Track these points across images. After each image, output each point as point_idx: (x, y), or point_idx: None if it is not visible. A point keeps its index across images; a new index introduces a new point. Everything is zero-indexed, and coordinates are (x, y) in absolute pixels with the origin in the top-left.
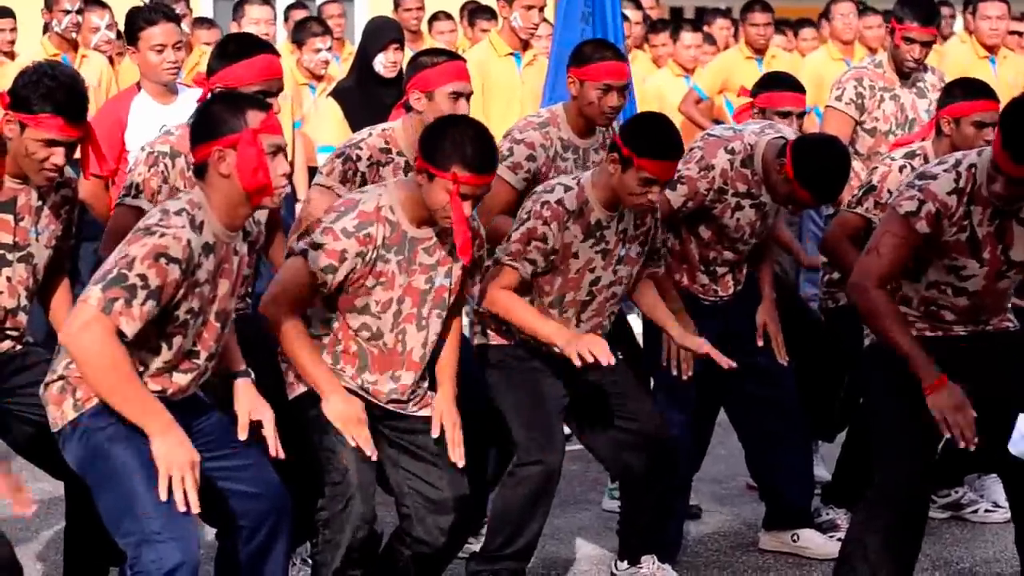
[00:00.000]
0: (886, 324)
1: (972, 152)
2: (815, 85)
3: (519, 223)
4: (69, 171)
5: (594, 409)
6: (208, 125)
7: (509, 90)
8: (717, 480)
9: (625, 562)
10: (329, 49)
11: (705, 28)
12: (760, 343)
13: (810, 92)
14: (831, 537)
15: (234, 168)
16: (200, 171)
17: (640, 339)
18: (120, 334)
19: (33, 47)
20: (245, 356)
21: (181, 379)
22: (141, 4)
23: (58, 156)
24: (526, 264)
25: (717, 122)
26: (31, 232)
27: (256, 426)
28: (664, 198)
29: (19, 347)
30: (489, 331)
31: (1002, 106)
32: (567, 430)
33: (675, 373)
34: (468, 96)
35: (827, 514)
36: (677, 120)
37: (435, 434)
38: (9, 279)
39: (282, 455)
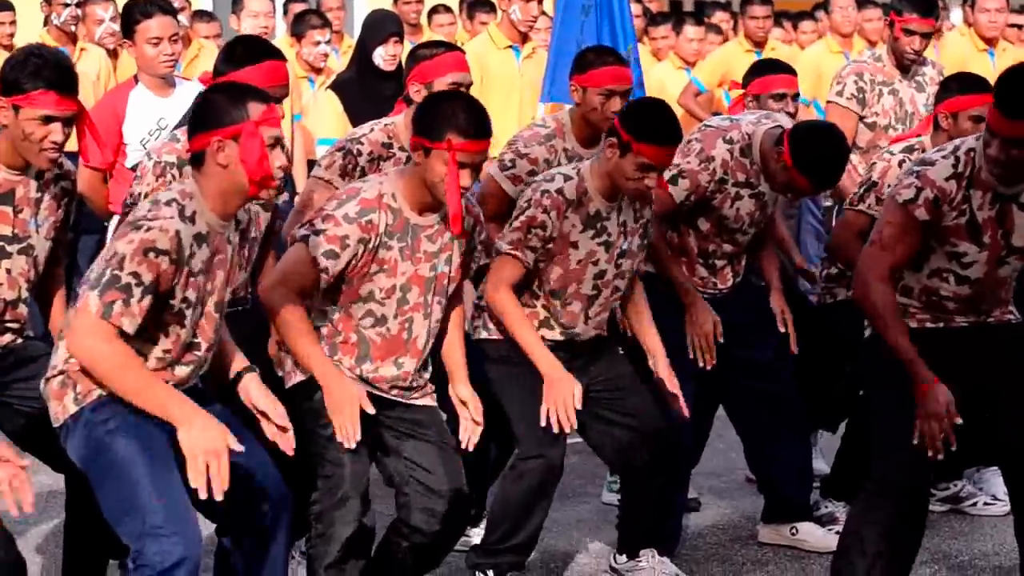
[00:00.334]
0: (883, 320)
1: (970, 137)
2: (814, 78)
3: (519, 211)
4: (68, 164)
5: (594, 404)
6: (209, 115)
7: (508, 83)
8: (716, 473)
9: (624, 555)
10: (328, 42)
11: (706, 20)
12: (782, 329)
13: (809, 85)
14: (830, 530)
15: (235, 159)
16: (196, 160)
17: None
18: (122, 332)
19: (32, 40)
20: (244, 351)
21: (182, 371)
22: None
23: (56, 133)
24: (528, 252)
25: (716, 115)
26: (30, 224)
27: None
28: (667, 194)
29: (19, 340)
30: (491, 325)
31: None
32: None
33: (701, 364)
34: (468, 87)
35: (826, 507)
36: (677, 113)
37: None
38: (9, 271)
39: (291, 452)
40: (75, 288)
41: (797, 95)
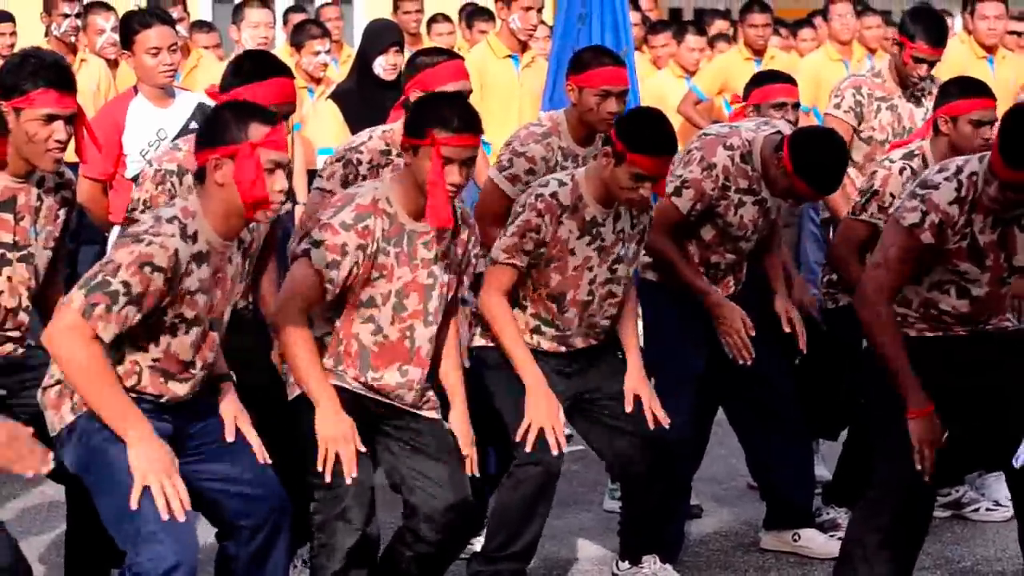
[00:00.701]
0: (886, 343)
1: (973, 158)
2: (813, 86)
3: (514, 217)
4: (69, 173)
5: (595, 410)
6: (212, 131)
7: (507, 92)
8: (718, 480)
9: (626, 562)
10: (328, 52)
11: (707, 30)
12: (787, 330)
13: (809, 93)
14: (832, 536)
15: (230, 178)
16: (200, 176)
17: (640, 340)
18: (99, 338)
19: None
20: (246, 359)
21: (178, 388)
22: (136, 8)
23: (59, 131)
24: (522, 256)
25: (716, 123)
26: (31, 232)
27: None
28: (672, 206)
29: (21, 350)
30: (488, 333)
31: (1000, 106)
32: (568, 431)
33: (741, 362)
34: (467, 95)
35: (828, 513)
36: (677, 121)
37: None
38: (10, 279)
39: (268, 460)
40: None
41: (798, 104)
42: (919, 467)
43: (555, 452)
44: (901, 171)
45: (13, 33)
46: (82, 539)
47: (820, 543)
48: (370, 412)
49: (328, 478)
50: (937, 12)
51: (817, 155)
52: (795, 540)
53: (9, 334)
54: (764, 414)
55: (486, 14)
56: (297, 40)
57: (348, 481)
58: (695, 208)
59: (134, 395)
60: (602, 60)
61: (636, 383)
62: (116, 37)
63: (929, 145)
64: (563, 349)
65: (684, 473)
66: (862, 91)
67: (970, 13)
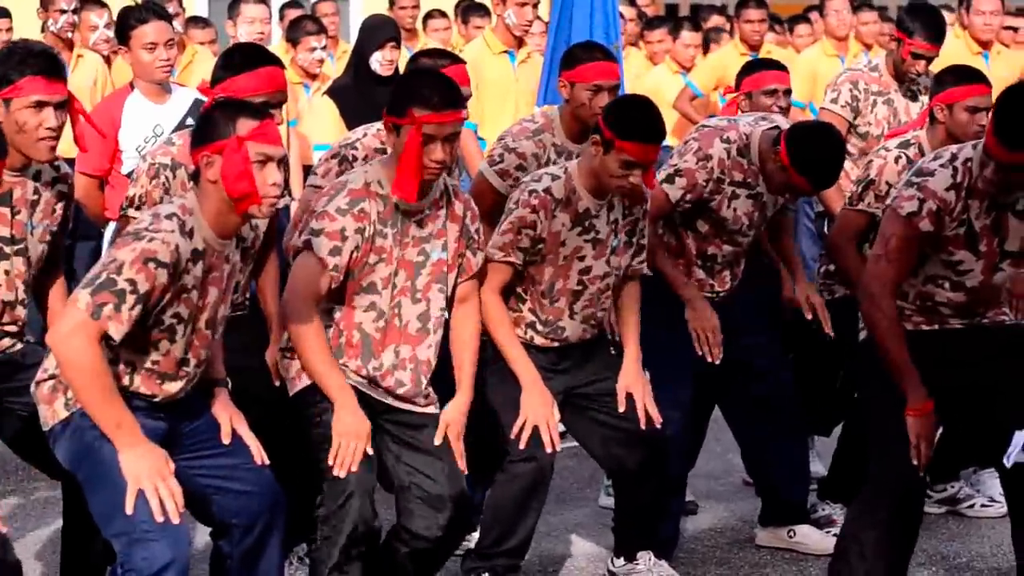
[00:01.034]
0: (888, 339)
1: (967, 145)
2: (809, 81)
3: (507, 213)
4: (66, 167)
5: (587, 406)
6: (203, 130)
7: (503, 88)
8: (713, 476)
9: (621, 558)
10: (324, 48)
11: (703, 25)
12: (808, 317)
13: (805, 88)
14: (827, 532)
15: (219, 175)
16: (196, 176)
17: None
18: (107, 337)
19: None
20: (244, 358)
21: (171, 387)
22: (132, 3)
23: (50, 118)
24: (518, 253)
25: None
26: (27, 226)
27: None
28: (662, 193)
29: (19, 345)
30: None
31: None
32: (562, 427)
33: (709, 360)
34: (467, 98)
35: (823, 509)
36: (673, 117)
37: (438, 441)
38: (7, 272)
39: (267, 461)
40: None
41: (789, 91)
42: (915, 463)
43: (549, 449)
44: (897, 159)
45: (9, 29)
46: (78, 536)
47: (816, 539)
48: (372, 409)
49: (336, 472)
50: (935, 8)
51: (814, 150)
52: (791, 536)
53: (7, 328)
54: (760, 409)
55: (482, 10)
56: (293, 36)
57: (355, 469)
58: (685, 198)
59: (128, 394)
60: (593, 55)
61: (631, 380)
62: (109, 33)
63: (925, 134)
64: (556, 344)
65: (679, 469)
66: (859, 85)
67: (966, 8)
